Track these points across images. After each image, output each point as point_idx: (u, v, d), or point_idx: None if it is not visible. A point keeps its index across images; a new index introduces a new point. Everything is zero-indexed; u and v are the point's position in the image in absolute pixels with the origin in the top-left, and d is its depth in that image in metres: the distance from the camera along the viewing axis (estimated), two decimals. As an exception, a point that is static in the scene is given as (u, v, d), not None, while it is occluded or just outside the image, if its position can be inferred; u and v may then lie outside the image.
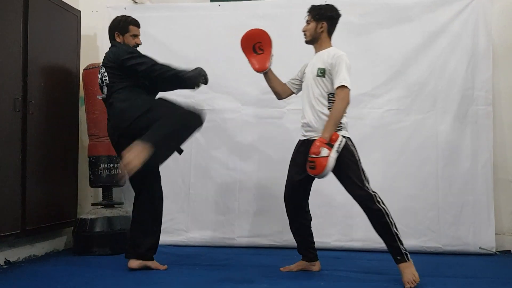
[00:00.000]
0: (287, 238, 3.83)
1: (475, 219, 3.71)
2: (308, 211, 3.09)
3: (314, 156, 2.68)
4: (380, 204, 2.76)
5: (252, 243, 3.92)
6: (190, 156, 4.04)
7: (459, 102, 3.79)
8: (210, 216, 4.00)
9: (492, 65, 3.78)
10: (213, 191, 4.01)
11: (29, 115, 3.37)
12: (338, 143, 2.71)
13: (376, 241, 3.72)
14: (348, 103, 2.79)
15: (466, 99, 3.79)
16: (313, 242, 3.10)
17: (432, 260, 3.47)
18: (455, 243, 3.71)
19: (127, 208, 4.00)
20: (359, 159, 2.82)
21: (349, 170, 2.79)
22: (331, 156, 2.67)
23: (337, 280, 2.86)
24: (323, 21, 2.93)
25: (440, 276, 2.95)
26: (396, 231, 2.76)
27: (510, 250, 3.79)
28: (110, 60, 3.04)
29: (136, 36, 3.19)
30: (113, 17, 4.12)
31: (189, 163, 4.03)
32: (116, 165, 3.82)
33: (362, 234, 3.77)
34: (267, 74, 3.14)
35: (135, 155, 2.64)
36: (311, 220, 3.10)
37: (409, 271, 2.72)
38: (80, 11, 4.02)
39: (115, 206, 3.87)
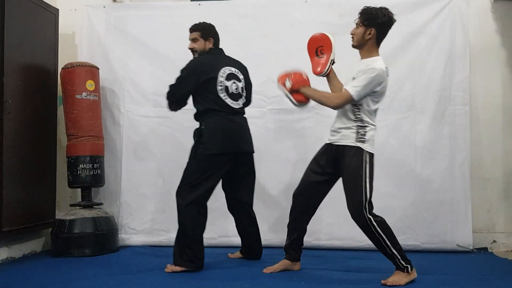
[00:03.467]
0: (268, 237, 3.84)
1: (453, 217, 3.77)
2: (311, 216, 3.06)
3: (288, 78, 2.88)
4: (375, 228, 2.72)
5: (233, 242, 3.90)
6: (171, 156, 4.02)
7: (437, 102, 3.85)
8: (191, 216, 3.98)
9: (469, 65, 3.84)
10: (194, 191, 3.99)
11: (5, 115, 3.31)
12: (289, 95, 2.89)
13: (356, 240, 3.79)
14: (335, 105, 2.76)
15: (443, 99, 3.84)
16: (303, 244, 3.10)
17: (411, 258, 3.48)
18: (433, 241, 3.76)
19: (107, 209, 3.97)
20: (368, 177, 2.76)
21: (354, 184, 2.76)
22: (284, 91, 2.92)
23: (318, 279, 2.88)
24: (372, 28, 2.77)
25: (419, 274, 2.98)
26: (394, 252, 2.74)
27: (487, 248, 3.86)
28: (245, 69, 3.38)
29: (190, 40, 3.30)
30: (92, 15, 4.13)
31: (169, 163, 4.01)
32: (95, 165, 3.78)
33: (343, 232, 3.80)
34: (328, 78, 3.03)
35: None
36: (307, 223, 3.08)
37: (399, 277, 2.73)
38: (58, 10, 3.96)
39: (95, 206, 3.83)
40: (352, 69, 3.84)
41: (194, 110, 4.01)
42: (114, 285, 2.76)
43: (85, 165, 3.74)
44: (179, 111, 4.03)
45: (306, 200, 2.98)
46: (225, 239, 3.93)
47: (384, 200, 3.79)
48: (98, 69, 3.95)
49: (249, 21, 4.01)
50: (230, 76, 3.19)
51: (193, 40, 3.27)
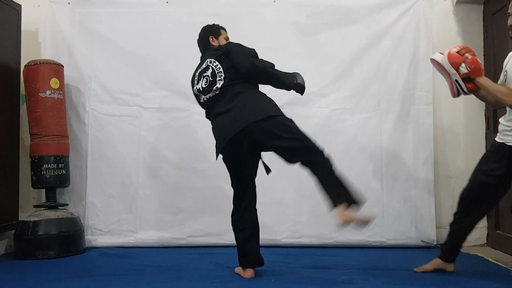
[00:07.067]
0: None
1: (417, 213, 3.88)
2: (478, 220, 2.85)
3: (465, 62, 2.57)
4: None
5: (203, 242, 3.90)
6: (138, 156, 3.97)
7: (401, 102, 3.94)
8: (159, 216, 3.95)
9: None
10: (162, 191, 3.96)
11: (-35, 114, 3.20)
12: (461, 82, 2.59)
13: (324, 237, 3.84)
14: (505, 99, 2.52)
15: (408, 99, 3.94)
16: (460, 246, 2.92)
17: (377, 253, 3.60)
18: (398, 237, 3.85)
19: (72, 210, 3.88)
20: None
21: None
22: (454, 76, 2.61)
23: (287, 276, 2.90)
24: None
25: (385, 269, 3.06)
26: None
27: (449, 243, 3.97)
28: (220, 49, 2.93)
29: (228, 39, 3.13)
30: (56, 12, 4.04)
31: (137, 163, 3.96)
32: (60, 165, 3.69)
33: (311, 230, 3.85)
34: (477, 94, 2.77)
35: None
36: (472, 229, 2.87)
37: None
38: (20, 5, 3.85)
39: (59, 207, 3.74)
40: (322, 69, 3.95)
41: (162, 109, 4.00)
42: (81, 287, 2.70)
43: (49, 165, 3.65)
44: (147, 110, 4.01)
45: (476, 203, 2.78)
46: (193, 239, 3.91)
47: (352, 198, 3.87)
48: (63, 66, 3.86)
49: (218, 20, 3.96)
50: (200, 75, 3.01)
51: None
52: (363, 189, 3.84)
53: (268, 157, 3.93)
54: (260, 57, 3.17)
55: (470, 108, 4.02)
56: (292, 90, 2.93)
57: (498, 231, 3.77)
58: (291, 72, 2.89)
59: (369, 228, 3.83)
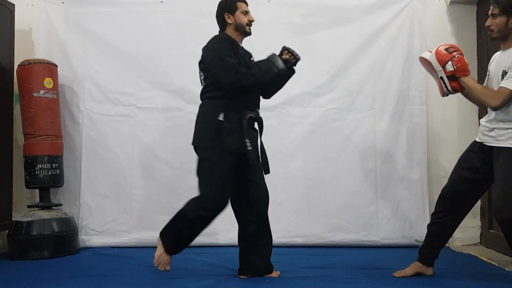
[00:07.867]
0: (232, 236, 3.84)
1: (411, 213, 3.89)
2: (460, 220, 2.79)
3: (452, 61, 2.57)
4: None
5: (197, 242, 3.86)
6: (132, 156, 3.97)
7: (396, 102, 3.96)
8: (154, 216, 3.93)
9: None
10: (157, 191, 3.95)
11: (-42, 113, 3.18)
12: (446, 80, 2.60)
13: (319, 237, 3.85)
14: (496, 105, 2.51)
15: (402, 98, 3.96)
16: (439, 249, 2.85)
17: (372, 253, 3.61)
18: (392, 236, 3.87)
19: (66, 210, 3.87)
20: None
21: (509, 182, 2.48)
22: (440, 73, 2.61)
23: (281, 276, 2.90)
24: None
25: (379, 269, 3.07)
26: None
27: (443, 242, 3.99)
28: (202, 52, 2.85)
29: (247, 12, 2.93)
30: (50, 11, 4.03)
31: (131, 163, 3.96)
32: (54, 165, 3.68)
33: (306, 230, 3.86)
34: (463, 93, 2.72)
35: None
36: (455, 229, 2.83)
37: None
38: (14, 5, 3.83)
39: (53, 207, 3.73)
40: (317, 69, 3.96)
41: (157, 109, 4.00)
42: None
43: (43, 165, 3.64)
44: (142, 110, 4.01)
45: (455, 200, 2.73)
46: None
47: (347, 197, 3.90)
48: (57, 66, 3.85)
49: (212, 19, 3.98)
50: None
51: None
52: (358, 188, 3.91)
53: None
54: (256, 57, 3.18)
55: (463, 108, 4.03)
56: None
57: (491, 230, 3.79)
58: (266, 59, 2.79)
59: (364, 228, 3.86)
